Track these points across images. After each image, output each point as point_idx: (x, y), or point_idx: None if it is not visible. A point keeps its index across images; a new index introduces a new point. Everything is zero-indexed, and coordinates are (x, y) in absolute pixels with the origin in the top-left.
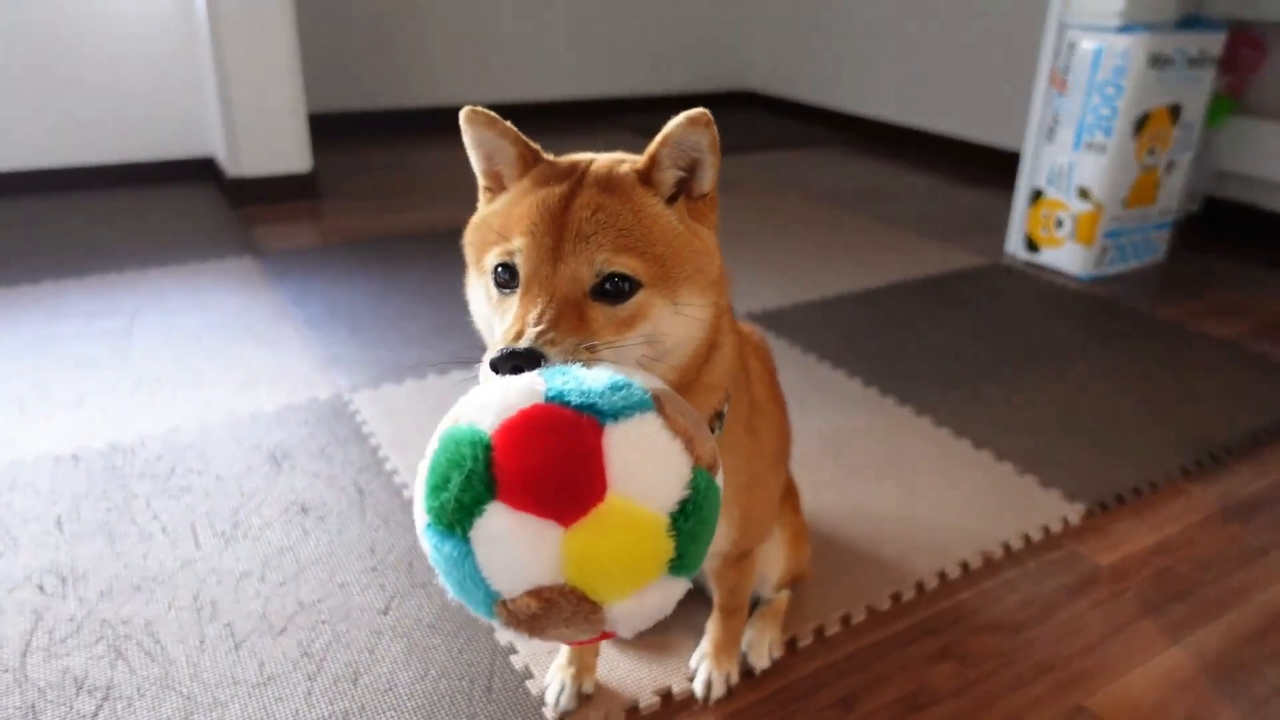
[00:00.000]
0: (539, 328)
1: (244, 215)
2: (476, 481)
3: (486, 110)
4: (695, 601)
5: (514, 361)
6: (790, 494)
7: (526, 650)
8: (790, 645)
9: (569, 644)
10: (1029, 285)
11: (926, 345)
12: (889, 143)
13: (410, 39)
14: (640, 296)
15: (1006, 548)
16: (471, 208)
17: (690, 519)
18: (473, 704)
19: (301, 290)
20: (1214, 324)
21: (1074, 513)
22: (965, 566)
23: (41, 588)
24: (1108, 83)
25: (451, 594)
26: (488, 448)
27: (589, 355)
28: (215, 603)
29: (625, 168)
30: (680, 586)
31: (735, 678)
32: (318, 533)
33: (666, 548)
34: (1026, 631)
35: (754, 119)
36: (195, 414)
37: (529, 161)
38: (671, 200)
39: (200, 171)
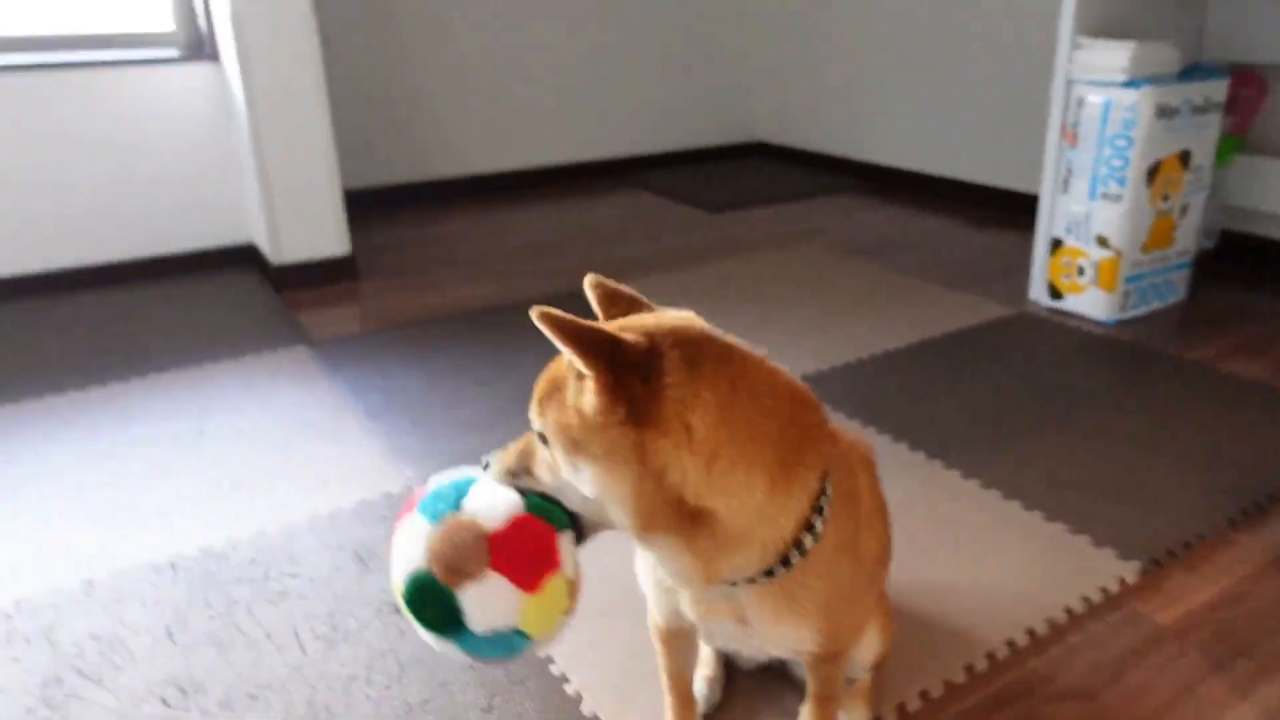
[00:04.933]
0: (502, 451)
1: (288, 301)
2: None
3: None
4: (790, 691)
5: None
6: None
7: None
8: None
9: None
10: (1056, 333)
11: (966, 403)
12: (900, 188)
13: (431, 113)
14: (550, 448)
15: (1069, 611)
16: (508, 282)
17: (408, 595)
18: None
19: (356, 380)
20: (1241, 363)
21: (1130, 571)
22: (1032, 633)
23: (165, 700)
24: (1118, 135)
25: None
26: None
27: (511, 479)
28: (329, 707)
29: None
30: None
31: None
32: (412, 633)
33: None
34: (1100, 697)
35: (764, 170)
36: (278, 515)
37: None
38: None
39: (241, 258)
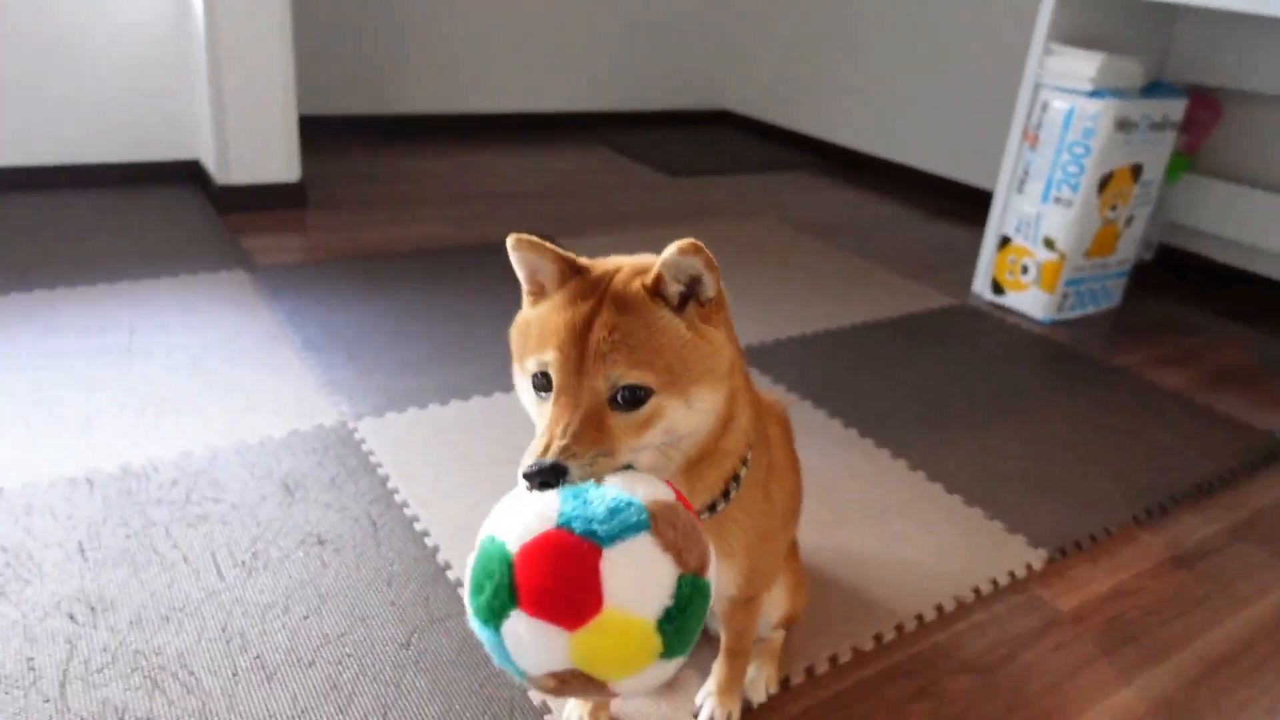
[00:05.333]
0: (563, 441)
1: (231, 224)
2: (503, 592)
3: (530, 237)
4: (702, 642)
5: (542, 477)
6: (792, 543)
7: None
8: (784, 683)
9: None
10: (995, 328)
11: (901, 386)
12: (860, 171)
13: (396, 46)
14: (653, 402)
15: (977, 591)
16: (459, 225)
17: (674, 621)
18: None
19: (295, 310)
20: (1164, 372)
21: (1037, 558)
22: (940, 609)
23: (72, 616)
24: (1077, 143)
25: (495, 663)
26: (511, 565)
27: (605, 461)
28: (244, 634)
29: (637, 284)
30: (675, 665)
31: (737, 715)
32: (335, 565)
33: (655, 644)
34: (995, 673)
35: (726, 139)
36: (204, 439)
37: (567, 274)
38: (682, 306)
39: (184, 175)
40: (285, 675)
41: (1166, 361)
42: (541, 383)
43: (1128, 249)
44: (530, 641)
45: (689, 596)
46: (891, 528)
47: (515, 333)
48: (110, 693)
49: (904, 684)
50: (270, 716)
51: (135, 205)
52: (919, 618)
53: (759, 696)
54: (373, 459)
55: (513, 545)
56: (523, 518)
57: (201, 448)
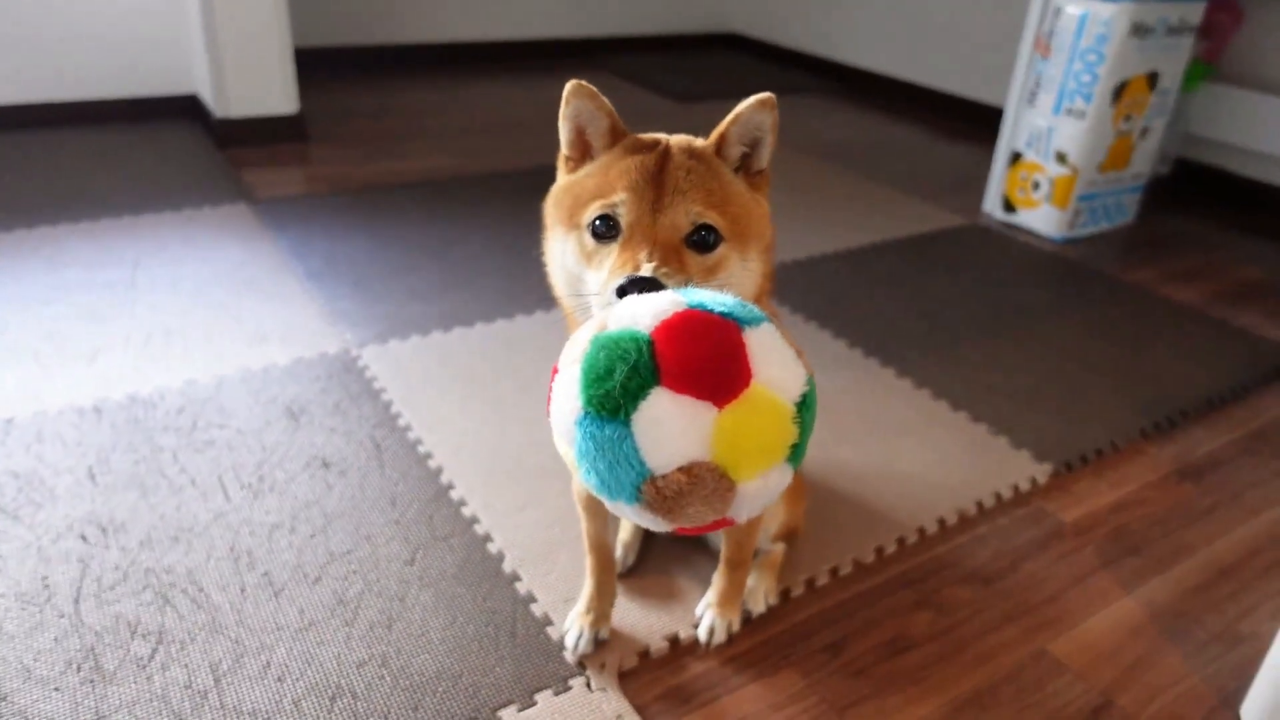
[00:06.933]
0: (652, 263)
1: (232, 158)
2: (643, 370)
3: (590, 85)
4: (701, 555)
5: (641, 285)
6: None
7: (545, 599)
8: (784, 594)
9: (688, 530)
10: (1004, 246)
11: (908, 307)
12: (872, 93)
13: None
14: (722, 249)
15: (980, 505)
16: (460, 158)
17: (806, 412)
18: (499, 648)
19: (299, 241)
20: (1178, 288)
21: (1041, 472)
22: (942, 522)
23: (84, 537)
24: (1090, 50)
25: (594, 483)
26: (650, 344)
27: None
28: (251, 553)
29: (701, 142)
30: (788, 476)
31: (737, 625)
32: (340, 487)
33: (791, 433)
34: (996, 583)
35: (735, 63)
36: (209, 368)
37: (617, 135)
38: (735, 172)
39: (184, 109)
40: (292, 591)
41: (1181, 277)
42: (604, 229)
43: (1143, 162)
44: (672, 423)
45: (811, 397)
46: (894, 444)
47: (555, 199)
48: (123, 608)
49: (905, 594)
50: (279, 629)
51: (135, 141)
52: (920, 530)
53: (758, 607)
54: (376, 385)
55: (647, 325)
56: (649, 305)
57: (207, 376)
